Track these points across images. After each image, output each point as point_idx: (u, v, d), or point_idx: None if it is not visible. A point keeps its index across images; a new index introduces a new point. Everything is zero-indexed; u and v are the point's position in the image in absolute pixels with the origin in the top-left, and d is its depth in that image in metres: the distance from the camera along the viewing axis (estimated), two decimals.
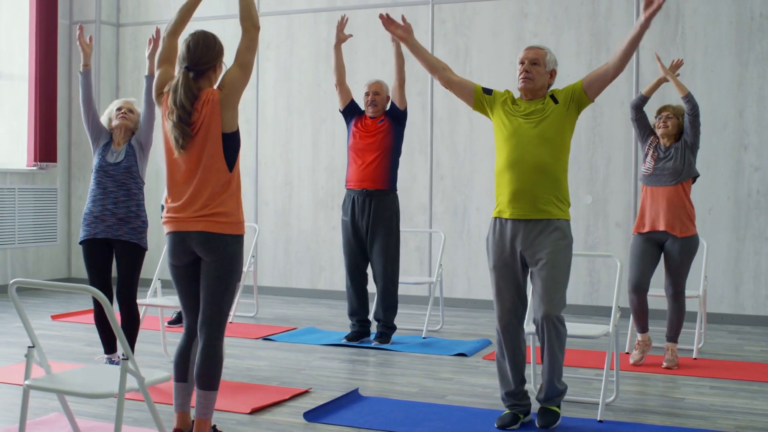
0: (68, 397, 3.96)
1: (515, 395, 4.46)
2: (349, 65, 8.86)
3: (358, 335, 6.54)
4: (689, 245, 5.76)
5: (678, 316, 5.84)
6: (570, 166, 8.01)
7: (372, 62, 8.78)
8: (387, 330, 6.54)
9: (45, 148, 9.19)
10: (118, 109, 5.26)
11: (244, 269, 7.66)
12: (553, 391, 4.40)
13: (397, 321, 7.35)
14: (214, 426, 3.82)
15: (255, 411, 4.59)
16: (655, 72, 7.76)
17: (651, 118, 6.05)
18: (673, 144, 5.85)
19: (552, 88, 4.52)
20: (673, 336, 5.87)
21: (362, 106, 6.58)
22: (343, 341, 6.51)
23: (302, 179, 9.14)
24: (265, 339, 6.70)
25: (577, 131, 8.02)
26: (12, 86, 9.30)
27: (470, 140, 8.39)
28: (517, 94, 4.53)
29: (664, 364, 5.81)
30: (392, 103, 6.50)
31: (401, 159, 8.50)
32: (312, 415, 4.49)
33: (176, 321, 7.22)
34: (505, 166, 4.39)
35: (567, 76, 8.02)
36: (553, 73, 4.46)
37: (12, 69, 9.30)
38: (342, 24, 6.55)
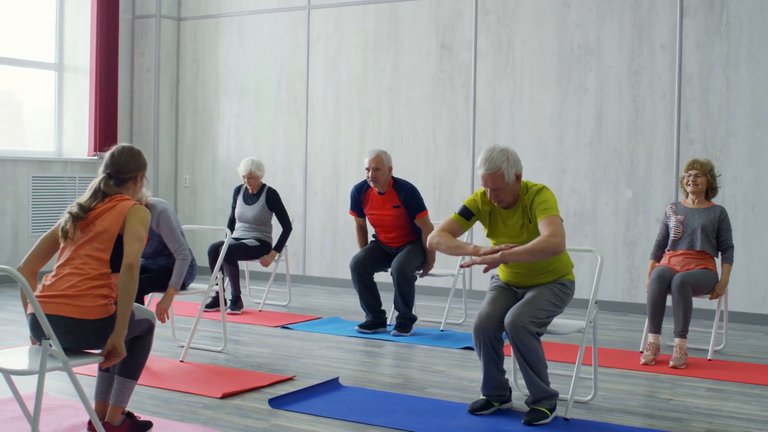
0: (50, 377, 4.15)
1: (492, 385, 4.46)
2: (394, 56, 8.91)
3: (373, 325, 6.57)
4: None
5: (685, 307, 5.65)
6: (611, 159, 7.90)
7: (417, 54, 8.76)
8: (406, 321, 6.55)
9: (105, 138, 9.52)
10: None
11: (278, 258, 7.74)
12: (537, 394, 4.34)
13: (422, 313, 7.36)
14: (129, 412, 3.89)
15: (226, 396, 4.68)
16: (700, 62, 7.48)
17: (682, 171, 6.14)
18: (705, 207, 5.88)
19: (524, 182, 4.43)
20: (681, 330, 5.66)
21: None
22: (356, 329, 6.55)
23: (349, 170, 9.19)
24: (283, 327, 6.79)
25: (618, 124, 7.83)
26: (75, 78, 9.68)
27: (512, 133, 8.27)
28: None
29: (671, 363, 5.60)
30: (413, 206, 6.51)
31: (443, 151, 8.52)
32: (278, 402, 4.54)
33: (212, 305, 7.35)
34: None
35: (609, 68, 7.84)
36: (518, 177, 4.39)
37: (76, 62, 9.68)
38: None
